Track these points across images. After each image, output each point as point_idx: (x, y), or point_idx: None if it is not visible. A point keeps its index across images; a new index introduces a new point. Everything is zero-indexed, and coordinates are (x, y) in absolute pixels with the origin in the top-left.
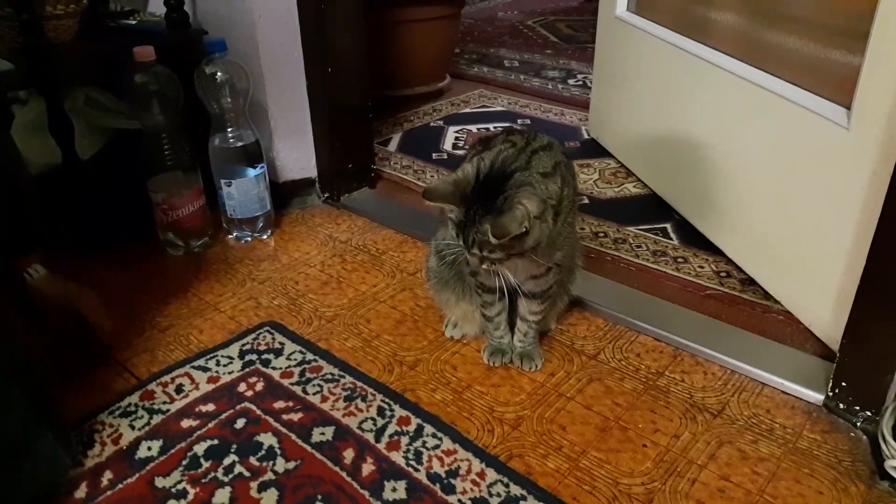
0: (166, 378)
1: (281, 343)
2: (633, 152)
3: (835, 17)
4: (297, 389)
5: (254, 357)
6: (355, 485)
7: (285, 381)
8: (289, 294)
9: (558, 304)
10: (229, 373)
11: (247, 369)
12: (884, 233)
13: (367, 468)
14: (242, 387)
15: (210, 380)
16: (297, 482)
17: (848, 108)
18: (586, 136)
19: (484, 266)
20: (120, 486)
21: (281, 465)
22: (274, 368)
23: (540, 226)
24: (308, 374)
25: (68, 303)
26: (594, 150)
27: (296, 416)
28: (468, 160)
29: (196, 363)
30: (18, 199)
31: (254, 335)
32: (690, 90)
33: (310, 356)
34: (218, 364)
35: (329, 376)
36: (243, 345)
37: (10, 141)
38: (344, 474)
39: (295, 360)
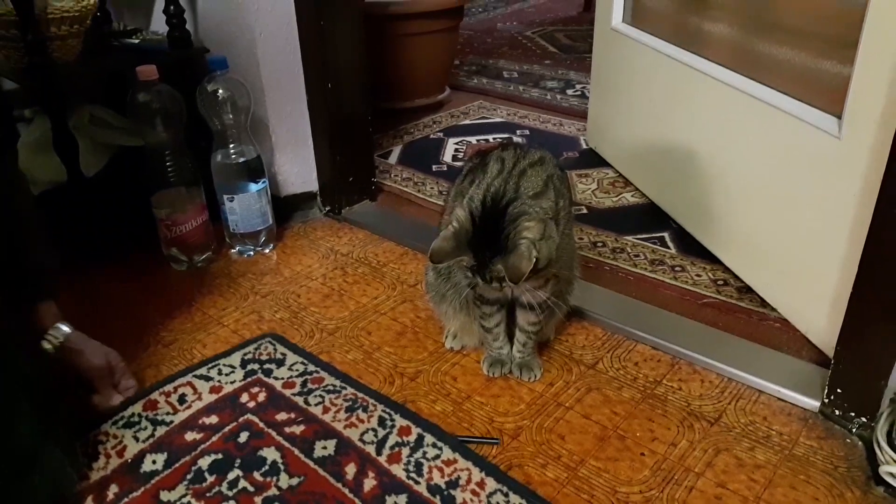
0: (169, 387)
1: (283, 354)
2: (630, 162)
3: (824, 28)
4: (299, 400)
5: (255, 367)
6: (357, 502)
7: (287, 392)
8: (291, 307)
9: (557, 315)
10: (231, 382)
11: (249, 378)
12: (875, 240)
13: (369, 483)
14: (245, 397)
15: (212, 389)
16: (300, 498)
17: (839, 117)
18: (584, 147)
19: (503, 292)
20: (125, 499)
21: (285, 480)
22: (276, 378)
23: (546, 244)
24: (310, 385)
25: (97, 372)
26: (592, 160)
27: (298, 429)
28: (464, 174)
29: (198, 372)
30: (19, 235)
31: (255, 345)
32: (686, 100)
33: (311, 367)
34: (220, 373)
35: (331, 387)
36: (245, 354)
37: (11, 171)
38: (346, 491)
39: (297, 370)
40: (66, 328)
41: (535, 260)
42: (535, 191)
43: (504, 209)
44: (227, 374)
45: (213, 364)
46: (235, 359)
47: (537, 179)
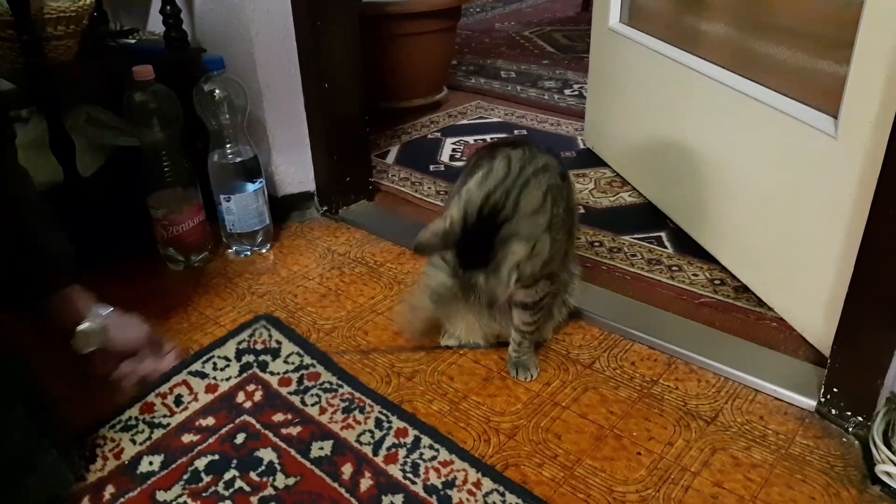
0: (164, 388)
1: (278, 342)
2: (627, 162)
3: (820, 27)
4: (296, 400)
5: (251, 359)
6: (354, 501)
7: (283, 390)
8: (287, 307)
9: (555, 317)
10: (227, 379)
11: (244, 374)
12: (871, 239)
13: (366, 483)
14: (241, 396)
15: (208, 388)
16: (297, 498)
17: (835, 117)
18: (582, 146)
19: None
20: (122, 500)
21: (281, 480)
22: (272, 374)
23: (531, 262)
24: (306, 382)
25: (148, 339)
26: (590, 159)
27: (294, 430)
28: (467, 173)
29: (193, 367)
30: (29, 227)
31: (249, 331)
32: (683, 100)
33: (307, 360)
34: (215, 367)
35: (327, 385)
36: (239, 343)
37: (12, 166)
38: (343, 490)
39: (293, 363)
40: (105, 308)
41: (512, 284)
42: (533, 207)
43: (499, 226)
44: (222, 369)
45: (208, 356)
46: (230, 348)
47: (537, 192)
